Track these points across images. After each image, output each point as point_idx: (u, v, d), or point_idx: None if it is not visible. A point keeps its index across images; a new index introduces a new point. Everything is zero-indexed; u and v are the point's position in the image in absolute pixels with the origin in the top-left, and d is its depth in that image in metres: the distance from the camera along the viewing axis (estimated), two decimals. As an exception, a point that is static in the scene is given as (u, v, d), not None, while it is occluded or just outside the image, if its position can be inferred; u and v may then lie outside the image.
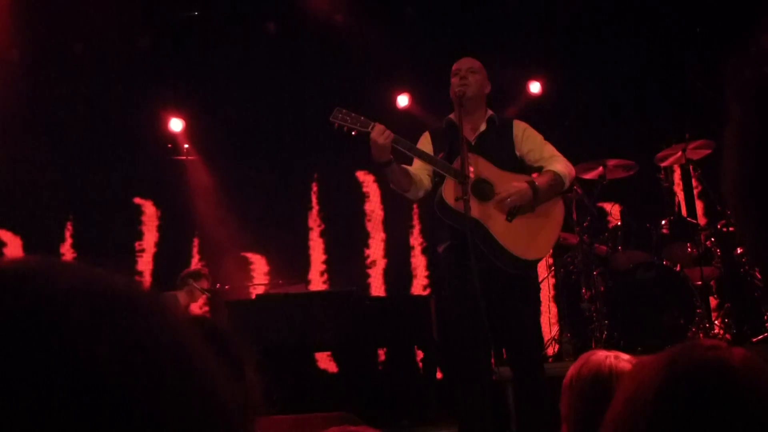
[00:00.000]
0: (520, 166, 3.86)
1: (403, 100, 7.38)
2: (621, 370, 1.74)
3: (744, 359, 0.85)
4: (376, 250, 7.51)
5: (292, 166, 7.56)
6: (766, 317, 5.24)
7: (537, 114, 6.09)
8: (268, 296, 6.06)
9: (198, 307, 6.80)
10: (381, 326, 5.51)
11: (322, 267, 7.51)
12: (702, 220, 6.55)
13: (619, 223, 5.68)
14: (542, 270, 5.94)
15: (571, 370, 1.83)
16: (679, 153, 5.67)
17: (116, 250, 7.33)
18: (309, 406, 4.87)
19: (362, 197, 7.58)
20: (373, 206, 7.57)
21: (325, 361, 7.08)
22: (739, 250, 5.42)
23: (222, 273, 6.99)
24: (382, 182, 7.18)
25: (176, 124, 7.52)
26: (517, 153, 3.86)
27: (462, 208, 3.48)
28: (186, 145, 7.62)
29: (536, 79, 7.32)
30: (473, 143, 3.82)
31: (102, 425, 0.45)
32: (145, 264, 7.56)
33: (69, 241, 7.56)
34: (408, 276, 7.44)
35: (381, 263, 7.48)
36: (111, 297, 0.51)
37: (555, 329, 6.22)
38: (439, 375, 6.38)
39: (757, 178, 0.67)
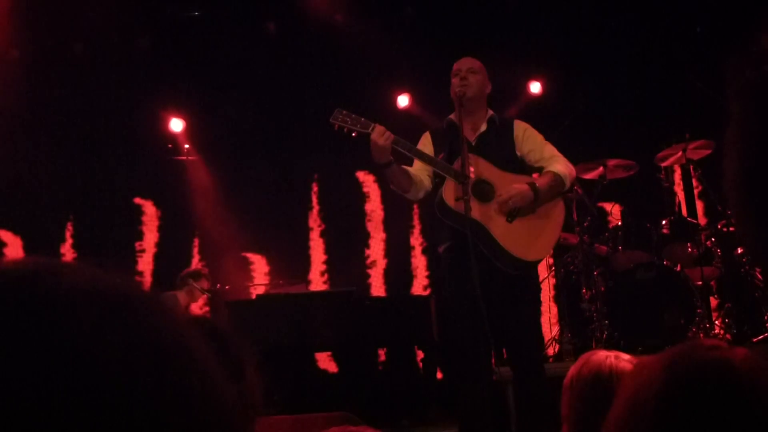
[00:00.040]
0: (520, 166, 3.85)
1: (403, 101, 7.38)
2: (621, 370, 1.74)
3: (746, 359, 0.85)
4: (376, 250, 7.51)
5: (292, 166, 7.56)
6: (766, 317, 5.24)
7: (537, 114, 6.09)
8: (268, 296, 6.06)
9: (198, 307, 6.80)
10: (381, 326, 5.51)
11: (323, 267, 7.51)
12: (702, 220, 6.56)
13: (619, 223, 5.68)
14: (542, 270, 5.94)
15: (572, 370, 1.83)
16: (680, 153, 5.67)
17: (116, 250, 7.33)
18: (309, 406, 4.87)
19: (362, 197, 7.58)
20: (374, 206, 7.57)
21: (325, 361, 7.08)
22: (739, 250, 5.42)
23: (222, 273, 6.99)
24: (382, 182, 7.18)
25: (176, 124, 7.52)
26: (518, 153, 3.86)
27: (462, 209, 3.48)
28: (186, 145, 7.63)
29: (536, 79, 7.32)
30: (474, 143, 3.82)
31: (103, 423, 0.46)
32: (145, 264, 7.56)
33: (69, 241, 7.56)
34: (408, 276, 7.44)
35: (381, 263, 7.48)
36: (114, 297, 0.51)
37: (555, 329, 6.22)
38: (439, 375, 6.39)
39: (758, 177, 0.67)
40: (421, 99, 7.27)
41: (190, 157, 7.61)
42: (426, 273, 7.43)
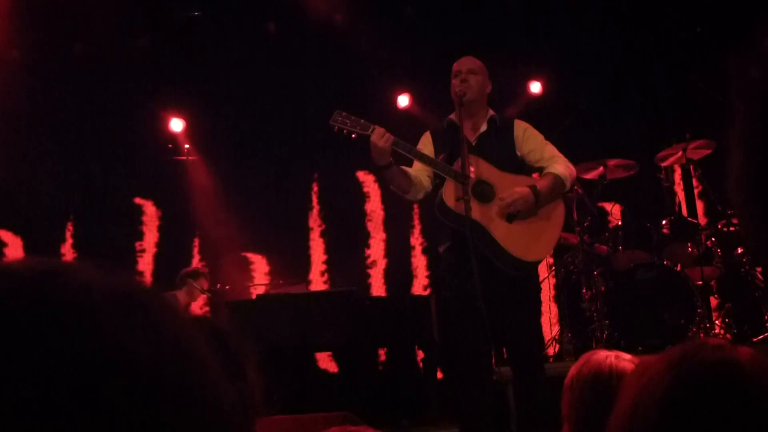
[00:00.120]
0: (520, 166, 3.85)
1: (403, 101, 7.38)
2: (621, 370, 1.74)
3: (751, 358, 0.85)
4: (376, 250, 7.51)
5: (292, 166, 7.57)
6: (766, 317, 5.24)
7: (537, 114, 6.09)
8: (268, 296, 6.06)
9: (198, 307, 6.81)
10: (381, 326, 5.51)
11: (323, 267, 7.51)
12: (702, 220, 6.56)
13: (619, 223, 5.68)
14: (543, 270, 5.94)
15: (572, 370, 1.83)
16: (680, 153, 5.67)
17: (116, 250, 7.33)
18: (309, 406, 4.87)
19: (363, 197, 7.58)
20: (374, 206, 7.57)
21: (325, 361, 7.08)
22: (739, 250, 5.42)
23: (222, 273, 7.00)
24: (382, 182, 7.18)
25: (177, 124, 7.52)
26: (518, 153, 3.85)
27: (462, 210, 3.48)
28: (186, 146, 7.63)
29: (537, 79, 7.32)
30: (474, 144, 3.82)
31: (107, 417, 0.47)
32: (145, 264, 7.56)
33: (69, 241, 7.56)
34: (408, 276, 7.44)
35: (381, 263, 7.48)
36: (122, 295, 0.52)
37: (555, 329, 6.22)
38: (439, 375, 6.38)
39: (762, 177, 0.67)
40: (421, 99, 7.27)
41: (190, 157, 7.61)
42: (426, 273, 7.43)
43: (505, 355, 3.95)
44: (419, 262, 7.47)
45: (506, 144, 3.85)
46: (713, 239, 5.49)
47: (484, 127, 3.87)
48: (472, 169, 3.61)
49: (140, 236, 7.62)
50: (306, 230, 7.57)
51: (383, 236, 7.53)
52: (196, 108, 7.50)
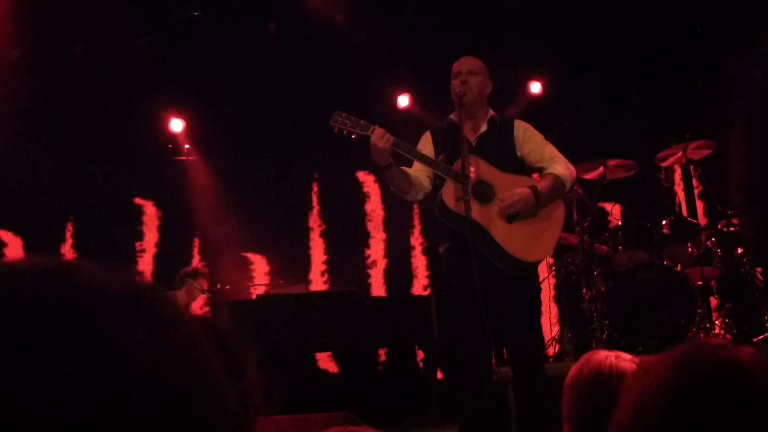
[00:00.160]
0: (520, 167, 3.85)
1: (403, 101, 7.38)
2: (622, 370, 1.74)
3: (753, 358, 0.85)
4: (376, 250, 7.51)
5: (292, 166, 7.57)
6: (766, 317, 5.24)
7: (537, 114, 6.09)
8: (268, 296, 6.06)
9: (198, 307, 6.80)
10: (381, 326, 5.51)
11: (323, 267, 7.51)
12: (702, 220, 6.56)
13: (619, 223, 5.68)
14: (543, 270, 5.94)
15: (572, 370, 1.83)
16: (680, 153, 5.67)
17: (117, 250, 7.33)
18: (309, 406, 4.87)
19: (363, 197, 7.58)
20: (374, 206, 7.57)
21: (325, 361, 7.08)
22: (739, 250, 5.42)
23: (222, 273, 7.00)
24: (382, 182, 7.18)
25: (177, 125, 7.52)
26: (518, 153, 3.85)
27: (462, 210, 3.48)
28: (186, 146, 7.62)
29: (537, 79, 7.32)
30: (474, 144, 3.82)
31: (110, 417, 0.47)
32: (145, 264, 7.56)
33: (69, 241, 7.57)
34: (408, 276, 7.44)
35: (381, 263, 7.48)
36: (130, 293, 0.53)
37: (555, 329, 6.22)
38: (439, 375, 6.38)
39: (763, 177, 0.67)
40: (422, 99, 7.27)
41: (190, 157, 7.61)
42: (426, 273, 7.43)
43: (505, 355, 3.95)
44: (419, 262, 7.47)
45: (506, 144, 3.85)
46: (713, 239, 5.49)
47: (484, 128, 3.87)
48: (472, 169, 3.61)
49: (140, 236, 7.62)
50: (306, 230, 7.57)
51: (383, 236, 7.53)
52: (196, 108, 7.50)
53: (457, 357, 3.71)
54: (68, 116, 7.30)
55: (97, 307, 0.50)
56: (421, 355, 6.60)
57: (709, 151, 5.68)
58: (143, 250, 7.60)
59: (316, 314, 5.34)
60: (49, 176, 7.32)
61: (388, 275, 7.44)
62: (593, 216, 5.66)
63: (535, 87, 7.33)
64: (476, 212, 3.57)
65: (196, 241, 7.62)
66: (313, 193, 7.64)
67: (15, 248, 7.43)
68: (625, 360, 1.78)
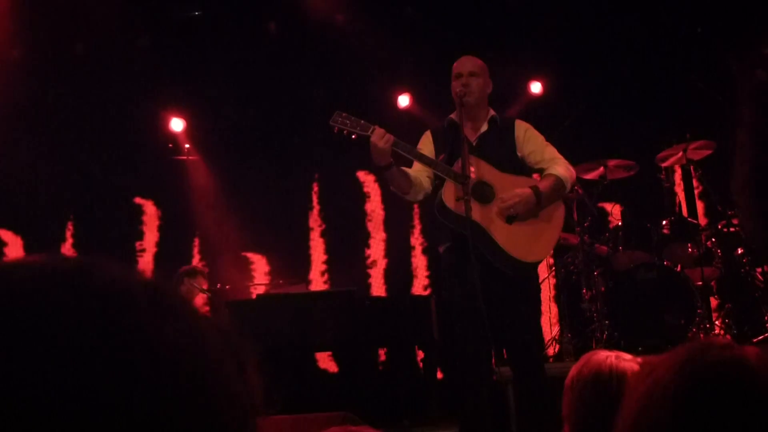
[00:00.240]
0: (520, 167, 3.85)
1: (404, 100, 7.38)
2: (622, 370, 1.74)
3: (759, 357, 0.84)
4: (376, 250, 7.51)
5: (292, 166, 7.56)
6: (766, 317, 5.24)
7: (538, 114, 6.09)
8: (268, 296, 6.06)
9: (197, 307, 6.79)
10: (381, 326, 5.51)
11: (323, 267, 7.51)
12: (703, 221, 6.55)
13: (619, 224, 5.68)
14: (543, 270, 5.94)
15: (573, 370, 1.83)
16: (680, 153, 5.67)
17: (117, 250, 7.32)
18: (309, 406, 4.87)
19: (363, 197, 7.57)
20: (374, 206, 7.57)
21: (325, 361, 7.08)
22: (739, 251, 5.42)
23: (222, 273, 6.99)
24: (382, 182, 7.17)
25: (177, 124, 7.52)
26: (519, 154, 3.85)
27: (462, 210, 3.48)
28: (187, 145, 7.62)
29: (537, 79, 7.31)
30: (474, 144, 3.82)
31: (135, 408, 0.49)
32: (145, 264, 7.55)
33: (70, 240, 7.56)
34: (408, 276, 7.44)
35: (381, 263, 7.48)
36: (154, 288, 0.55)
37: (555, 329, 6.22)
38: (439, 375, 6.38)
39: (766, 177, 0.67)
40: (422, 99, 7.27)
41: (190, 157, 7.60)
42: (426, 273, 7.43)
43: (505, 355, 3.95)
44: (419, 262, 7.47)
45: (507, 144, 3.85)
46: (713, 240, 5.49)
47: (484, 127, 3.87)
48: (472, 169, 3.61)
49: (140, 236, 7.61)
50: (306, 230, 7.57)
51: (383, 236, 7.53)
52: (196, 108, 7.50)
53: (457, 357, 3.71)
54: (68, 116, 7.30)
55: (126, 304, 0.52)
56: (421, 355, 6.59)
57: (709, 152, 5.68)
58: (143, 250, 7.59)
59: (316, 314, 5.34)
60: (49, 176, 7.31)
61: (388, 275, 7.44)
62: (593, 216, 5.66)
63: (535, 87, 7.33)
64: (476, 213, 3.57)
65: (196, 241, 7.62)
66: (313, 193, 7.63)
67: (15, 248, 7.42)
68: (625, 360, 1.78)
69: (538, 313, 3.85)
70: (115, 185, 7.50)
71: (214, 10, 7.31)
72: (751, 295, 5.40)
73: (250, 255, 7.48)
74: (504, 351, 3.95)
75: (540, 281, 4.21)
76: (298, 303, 5.50)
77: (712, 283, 5.68)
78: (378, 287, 7.41)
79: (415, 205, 7.36)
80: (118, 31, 6.94)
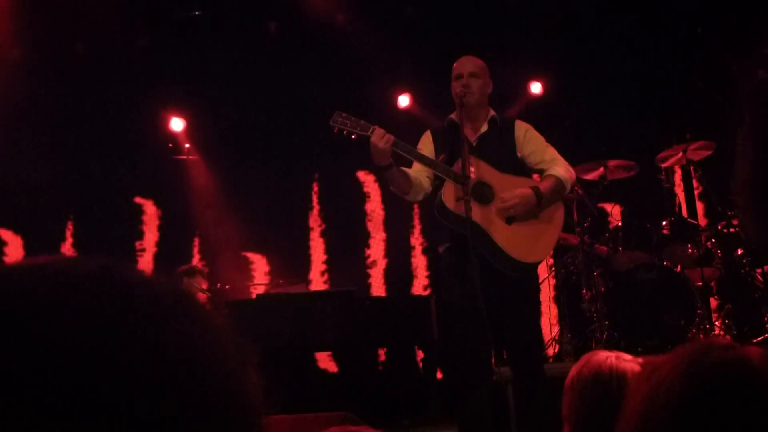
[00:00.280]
0: (520, 167, 3.85)
1: (404, 101, 7.38)
2: (622, 371, 1.74)
3: (762, 358, 0.84)
4: (376, 250, 7.51)
5: (292, 166, 7.56)
6: (766, 318, 5.24)
7: (538, 114, 6.09)
8: (268, 296, 6.06)
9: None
10: (381, 326, 5.51)
11: (323, 267, 7.51)
12: (703, 221, 6.55)
13: (619, 224, 5.68)
14: (543, 270, 5.94)
15: (573, 370, 1.83)
16: (680, 154, 5.67)
17: (117, 250, 7.32)
18: (309, 406, 4.87)
19: (363, 197, 7.58)
20: (374, 206, 7.57)
21: (325, 361, 7.08)
22: (739, 251, 5.42)
23: (222, 273, 6.99)
24: (382, 182, 7.17)
25: (177, 124, 7.52)
26: (519, 154, 3.85)
27: (462, 211, 3.48)
28: (187, 145, 7.62)
29: (537, 80, 7.32)
30: (474, 144, 3.81)
31: (158, 402, 0.50)
32: (145, 263, 7.55)
33: (69, 240, 7.56)
34: (408, 276, 7.44)
35: (381, 263, 7.48)
36: (171, 289, 0.56)
37: (555, 330, 6.22)
38: (439, 375, 6.38)
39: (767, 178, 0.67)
40: (422, 99, 7.27)
41: (190, 157, 7.60)
42: (426, 273, 7.43)
43: (505, 356, 3.95)
44: (419, 262, 7.47)
45: (507, 145, 3.85)
46: (713, 240, 5.49)
47: (484, 128, 3.87)
48: (472, 169, 3.60)
49: (140, 236, 7.62)
50: (306, 230, 7.57)
51: (383, 236, 7.53)
52: (196, 108, 7.50)
53: (457, 357, 3.71)
54: (68, 116, 7.30)
55: (151, 306, 0.53)
56: (421, 355, 6.60)
57: (709, 152, 5.68)
58: (143, 250, 7.59)
59: (316, 314, 5.34)
60: (49, 176, 7.31)
61: (388, 275, 7.44)
62: (593, 216, 5.66)
63: (535, 87, 7.33)
64: (476, 213, 3.57)
65: (196, 241, 7.62)
66: (313, 193, 7.63)
67: (15, 247, 7.43)
68: (625, 361, 1.78)
69: (537, 314, 3.85)
70: (115, 185, 7.50)
71: (214, 10, 7.31)
72: (751, 296, 5.40)
73: (249, 255, 7.48)
74: (504, 351, 3.95)
75: (540, 282, 4.22)
76: (298, 303, 5.50)
77: (712, 284, 5.68)
78: (378, 287, 7.41)
79: (415, 205, 7.36)
80: (118, 31, 6.94)
